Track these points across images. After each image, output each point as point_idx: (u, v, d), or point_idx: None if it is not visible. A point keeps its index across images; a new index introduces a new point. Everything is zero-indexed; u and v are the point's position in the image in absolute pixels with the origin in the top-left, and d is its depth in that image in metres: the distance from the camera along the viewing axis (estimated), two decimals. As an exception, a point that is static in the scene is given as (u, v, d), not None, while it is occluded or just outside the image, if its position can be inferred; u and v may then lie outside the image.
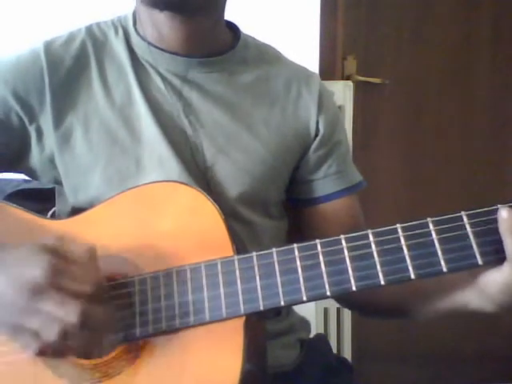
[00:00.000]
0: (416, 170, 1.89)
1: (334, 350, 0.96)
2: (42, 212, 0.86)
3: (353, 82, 1.71)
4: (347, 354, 1.73)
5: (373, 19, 1.80)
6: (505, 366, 1.99)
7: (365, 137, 1.81)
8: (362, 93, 1.78)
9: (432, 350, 1.93)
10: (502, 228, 0.55)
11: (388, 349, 1.93)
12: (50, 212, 0.87)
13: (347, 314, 1.74)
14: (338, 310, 1.74)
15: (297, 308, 0.89)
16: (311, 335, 0.91)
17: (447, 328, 1.92)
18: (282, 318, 0.84)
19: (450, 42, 1.85)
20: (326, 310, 1.73)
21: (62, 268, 0.55)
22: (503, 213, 0.55)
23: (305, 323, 0.90)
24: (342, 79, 1.74)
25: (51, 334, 0.54)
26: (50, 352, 0.56)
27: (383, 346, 1.93)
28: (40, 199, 0.90)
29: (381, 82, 1.79)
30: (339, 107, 1.66)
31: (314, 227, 0.84)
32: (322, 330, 1.70)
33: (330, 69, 1.72)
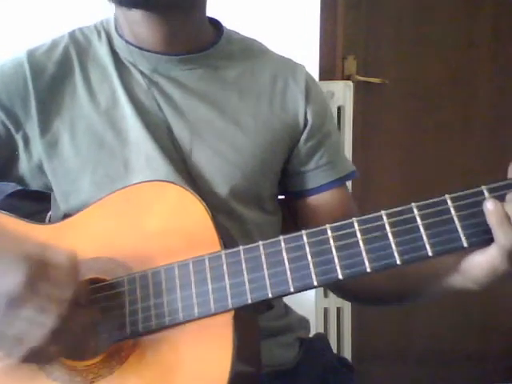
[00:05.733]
0: (416, 169, 1.89)
1: (334, 350, 0.96)
2: (42, 212, 0.86)
3: (353, 82, 1.71)
4: (347, 354, 1.73)
5: (373, 19, 1.80)
6: (505, 366, 1.99)
7: (365, 137, 1.81)
8: (362, 93, 1.78)
9: (432, 350, 1.93)
10: (491, 220, 0.54)
11: (388, 349, 1.94)
12: (50, 213, 0.87)
13: (347, 313, 1.74)
14: (338, 309, 1.74)
15: (296, 307, 0.89)
16: (311, 335, 0.91)
17: (447, 328, 1.92)
18: (281, 316, 0.84)
19: (450, 42, 1.85)
20: (325, 310, 1.73)
21: (42, 274, 0.55)
22: (489, 205, 0.55)
23: (304, 322, 0.90)
24: (342, 79, 1.74)
25: (34, 339, 0.54)
26: (34, 358, 0.56)
27: (383, 345, 1.93)
28: (40, 199, 0.90)
29: (381, 82, 1.80)
30: (339, 107, 1.67)
31: (307, 219, 0.83)
32: (321, 330, 1.70)
33: (330, 69, 1.72)
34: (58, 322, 0.54)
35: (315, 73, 1.58)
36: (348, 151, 1.66)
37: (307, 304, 1.59)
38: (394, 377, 1.91)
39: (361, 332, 1.81)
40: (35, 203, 0.90)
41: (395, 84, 1.82)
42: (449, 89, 1.87)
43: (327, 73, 1.69)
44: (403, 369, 1.93)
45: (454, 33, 1.85)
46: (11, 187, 1.02)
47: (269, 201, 0.82)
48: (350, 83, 1.69)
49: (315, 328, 1.63)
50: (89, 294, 0.63)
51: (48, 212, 0.87)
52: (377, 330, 1.89)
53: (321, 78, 1.61)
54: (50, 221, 0.85)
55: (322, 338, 0.93)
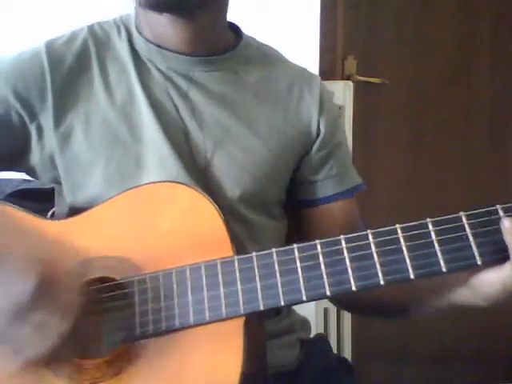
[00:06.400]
0: (416, 169, 1.89)
1: (334, 350, 0.96)
2: (41, 212, 0.85)
3: (353, 82, 1.71)
4: (347, 354, 1.73)
5: (373, 19, 1.80)
6: (505, 366, 1.99)
7: (365, 137, 1.81)
8: (362, 93, 1.78)
9: (432, 350, 1.93)
10: (509, 239, 0.55)
11: (388, 349, 1.93)
12: (50, 212, 0.87)
13: (347, 314, 1.74)
14: (338, 310, 1.74)
15: (297, 308, 0.89)
16: (311, 335, 0.91)
17: (447, 328, 1.92)
18: (283, 317, 0.84)
19: (450, 41, 1.85)
20: (326, 310, 1.73)
21: (51, 282, 0.54)
22: (506, 223, 0.55)
23: (305, 323, 0.90)
24: (342, 79, 1.74)
25: (38, 346, 0.54)
26: (36, 363, 0.55)
27: (383, 345, 1.93)
28: (40, 199, 0.90)
29: (381, 82, 1.80)
30: (339, 107, 1.66)
31: (313, 228, 0.84)
32: (322, 330, 1.70)
33: (330, 69, 1.72)
34: (65, 332, 0.53)
35: (315, 73, 1.58)
36: (348, 151, 1.66)
37: (307, 304, 1.58)
38: (393, 377, 1.91)
39: (361, 332, 1.81)
40: (35, 203, 0.90)
41: (395, 84, 1.82)
42: (449, 89, 1.87)
43: (327, 73, 1.69)
44: (403, 369, 1.93)
45: (453, 33, 1.85)
46: (11, 187, 1.02)
47: (275, 207, 0.83)
48: (350, 83, 1.69)
49: (315, 328, 1.63)
50: (95, 300, 0.63)
51: (48, 212, 0.87)
52: (377, 330, 1.89)
53: (321, 78, 1.61)
54: (51, 217, 0.85)
55: (322, 339, 0.93)
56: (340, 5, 1.72)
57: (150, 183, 0.69)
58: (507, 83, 1.90)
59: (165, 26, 0.75)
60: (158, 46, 0.77)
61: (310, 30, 1.63)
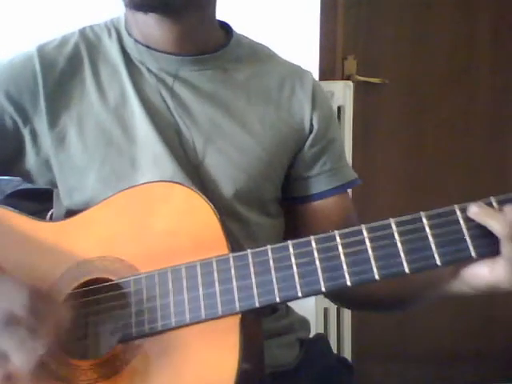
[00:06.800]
0: (416, 169, 1.89)
1: (334, 350, 0.96)
2: (41, 212, 0.86)
3: (353, 82, 1.71)
4: (347, 354, 1.73)
5: (373, 19, 1.80)
6: (505, 366, 1.99)
7: (365, 137, 1.81)
8: (362, 93, 1.78)
9: (432, 350, 1.93)
10: (480, 219, 0.56)
11: (388, 349, 1.93)
12: (50, 212, 0.87)
13: (347, 314, 1.74)
14: (338, 310, 1.74)
15: (296, 307, 0.89)
16: (311, 335, 0.91)
17: (447, 328, 1.92)
18: (282, 317, 0.84)
19: (450, 42, 1.85)
20: (325, 310, 1.73)
21: (37, 305, 0.56)
22: (473, 209, 0.56)
23: (304, 323, 0.90)
24: (342, 79, 1.74)
25: (21, 360, 0.54)
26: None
27: (383, 345, 1.93)
28: (40, 199, 0.90)
29: (381, 82, 1.80)
30: (339, 107, 1.66)
31: (308, 224, 0.84)
32: (321, 330, 1.70)
33: (330, 69, 1.72)
34: (51, 346, 0.55)
35: (315, 73, 1.58)
36: (348, 151, 1.66)
37: (307, 304, 1.59)
38: (394, 377, 1.91)
39: (361, 332, 1.81)
40: (35, 203, 0.90)
41: (395, 84, 1.82)
42: (449, 88, 1.87)
43: (327, 73, 1.69)
44: (403, 369, 1.93)
45: (453, 33, 1.85)
46: (11, 187, 1.03)
47: (271, 204, 0.83)
48: (350, 83, 1.69)
49: (315, 328, 1.63)
50: (91, 301, 0.64)
51: (48, 212, 0.87)
52: (377, 330, 1.89)
53: (321, 78, 1.61)
54: (51, 219, 0.85)
55: (322, 339, 0.93)
56: (340, 5, 1.72)
57: (145, 183, 0.69)
58: (507, 83, 1.89)
59: (152, 26, 0.76)
60: (147, 47, 0.78)
61: (310, 30, 1.63)
